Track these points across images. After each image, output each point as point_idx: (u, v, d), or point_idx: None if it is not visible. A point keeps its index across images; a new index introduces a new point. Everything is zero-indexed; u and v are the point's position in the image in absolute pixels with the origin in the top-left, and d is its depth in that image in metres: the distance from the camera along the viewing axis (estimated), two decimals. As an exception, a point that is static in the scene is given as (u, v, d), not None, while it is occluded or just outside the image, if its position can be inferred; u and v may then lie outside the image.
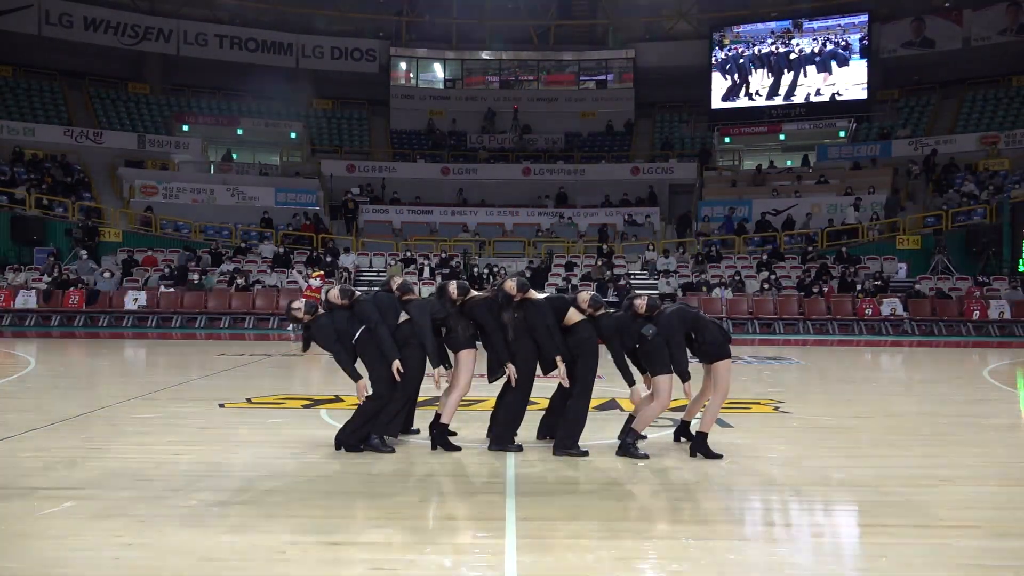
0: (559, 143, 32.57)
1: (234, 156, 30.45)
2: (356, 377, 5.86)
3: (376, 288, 6.72)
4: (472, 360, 6.03)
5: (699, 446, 5.82)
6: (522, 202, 29.04)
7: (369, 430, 5.91)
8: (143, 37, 31.82)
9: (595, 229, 26.72)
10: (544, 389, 6.67)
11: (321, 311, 5.98)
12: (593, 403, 7.95)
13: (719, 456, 5.76)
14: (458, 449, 5.97)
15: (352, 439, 5.89)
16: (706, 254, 23.72)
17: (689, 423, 6.28)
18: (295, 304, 5.98)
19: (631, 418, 6.03)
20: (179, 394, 8.82)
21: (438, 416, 6.04)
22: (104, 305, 19.65)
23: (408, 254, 23.81)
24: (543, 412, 6.44)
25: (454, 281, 6.14)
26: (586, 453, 5.84)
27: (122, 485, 4.94)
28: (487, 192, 29.61)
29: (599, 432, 6.69)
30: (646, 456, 5.75)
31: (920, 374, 12.58)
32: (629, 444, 5.81)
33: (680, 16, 33.83)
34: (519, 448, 5.97)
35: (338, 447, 5.90)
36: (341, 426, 6.04)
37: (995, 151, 26.74)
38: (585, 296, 5.91)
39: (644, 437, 6.11)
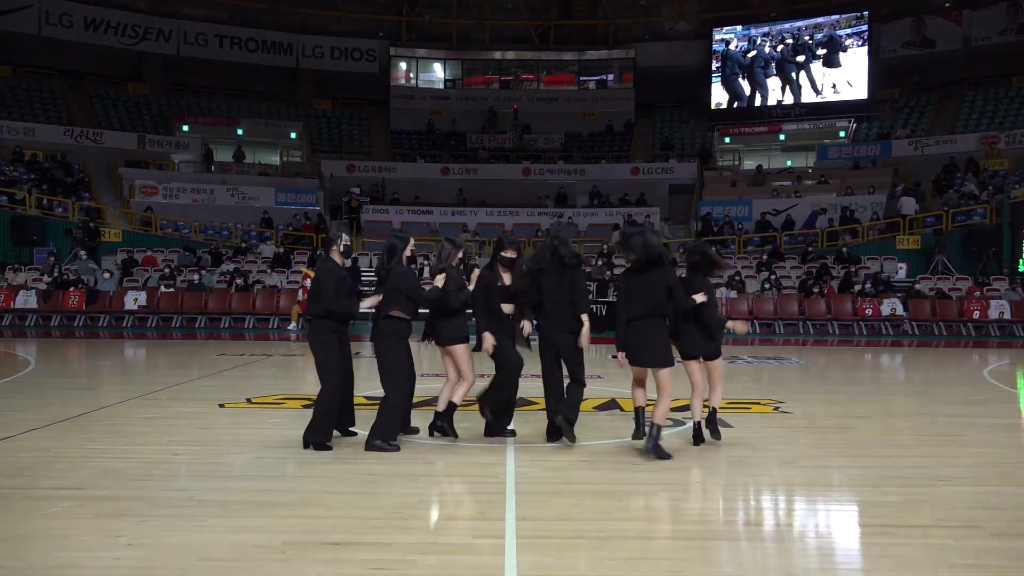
0: (559, 143, 32.56)
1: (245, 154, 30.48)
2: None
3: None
4: (469, 353, 6.19)
5: (651, 441, 5.65)
6: (522, 202, 29.03)
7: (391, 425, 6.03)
8: (143, 37, 31.80)
9: (595, 229, 26.70)
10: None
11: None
12: (593, 403, 7.99)
13: (668, 456, 5.63)
14: (456, 436, 6.23)
15: (378, 437, 5.93)
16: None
17: (700, 423, 6.19)
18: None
19: (640, 414, 6.03)
20: (179, 394, 8.82)
21: (452, 404, 6.20)
22: (104, 305, 19.64)
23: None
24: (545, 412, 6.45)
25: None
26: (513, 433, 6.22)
27: (122, 485, 4.94)
28: (487, 192, 29.59)
29: (600, 432, 6.69)
30: (669, 456, 5.63)
31: (920, 374, 12.57)
32: (656, 442, 5.65)
33: (680, 16, 33.85)
34: (512, 433, 6.19)
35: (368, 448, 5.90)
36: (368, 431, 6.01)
37: (995, 151, 26.74)
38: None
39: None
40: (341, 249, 6.15)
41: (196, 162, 29.08)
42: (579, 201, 29.29)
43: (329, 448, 5.87)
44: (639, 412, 6.14)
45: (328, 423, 5.97)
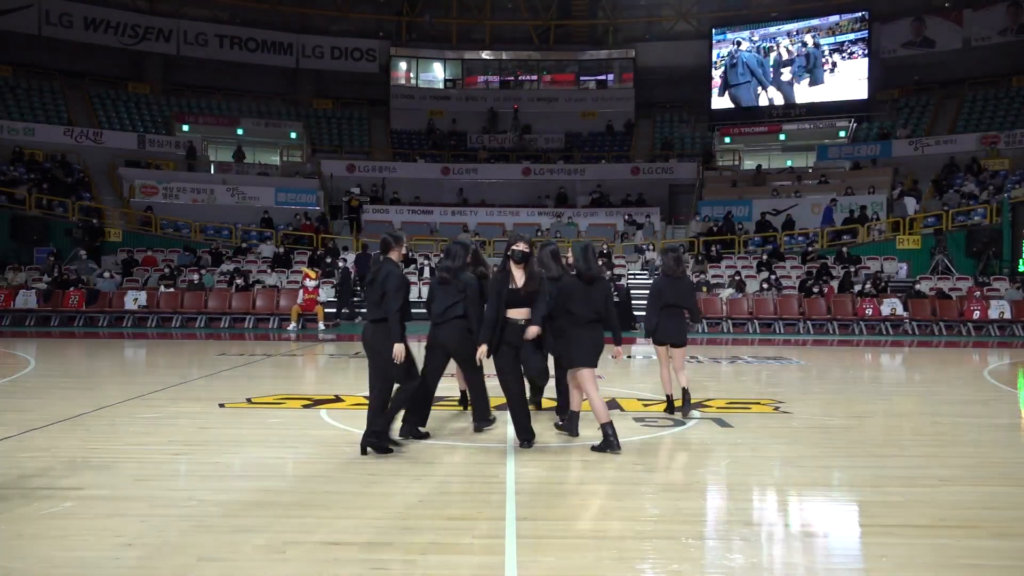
0: (559, 143, 32.57)
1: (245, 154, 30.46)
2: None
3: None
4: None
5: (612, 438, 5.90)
6: (522, 202, 29.05)
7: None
8: (143, 37, 31.83)
9: (596, 229, 26.71)
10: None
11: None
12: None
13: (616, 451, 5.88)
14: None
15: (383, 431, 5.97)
16: (706, 254, 23.71)
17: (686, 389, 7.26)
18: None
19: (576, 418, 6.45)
20: (179, 394, 8.81)
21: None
22: (104, 305, 19.64)
23: (408, 254, 23.79)
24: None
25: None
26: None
27: (122, 485, 4.94)
28: (487, 192, 29.62)
29: (600, 433, 6.68)
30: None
31: (920, 374, 12.57)
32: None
33: (680, 16, 33.87)
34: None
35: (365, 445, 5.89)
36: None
37: (995, 151, 26.74)
38: None
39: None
40: (404, 251, 6.08)
41: (183, 159, 28.99)
42: (579, 201, 29.29)
43: (391, 451, 5.86)
44: (577, 417, 6.50)
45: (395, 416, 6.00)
